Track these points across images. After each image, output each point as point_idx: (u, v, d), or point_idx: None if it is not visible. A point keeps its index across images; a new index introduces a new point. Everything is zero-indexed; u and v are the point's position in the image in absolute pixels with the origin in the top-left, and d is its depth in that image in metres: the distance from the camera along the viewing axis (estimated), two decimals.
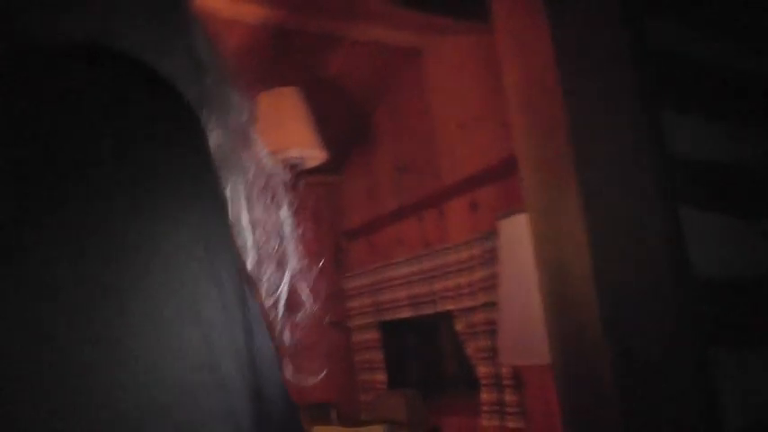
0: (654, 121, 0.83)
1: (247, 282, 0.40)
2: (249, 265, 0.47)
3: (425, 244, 3.21)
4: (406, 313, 3.24)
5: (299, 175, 2.69)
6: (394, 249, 3.46)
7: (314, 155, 2.66)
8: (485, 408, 2.68)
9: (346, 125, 3.63)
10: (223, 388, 0.29)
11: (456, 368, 3.31)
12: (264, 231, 0.47)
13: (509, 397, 2.58)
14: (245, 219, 0.46)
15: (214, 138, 0.42)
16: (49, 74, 0.30)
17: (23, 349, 0.25)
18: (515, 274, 1.43)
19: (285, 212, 0.48)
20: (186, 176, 0.31)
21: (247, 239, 0.46)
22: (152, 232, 0.28)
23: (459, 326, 2.83)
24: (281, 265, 0.50)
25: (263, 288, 0.49)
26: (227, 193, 0.44)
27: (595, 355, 0.80)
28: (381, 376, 3.50)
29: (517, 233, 1.44)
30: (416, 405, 3.14)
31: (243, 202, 0.46)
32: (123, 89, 0.31)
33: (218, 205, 0.33)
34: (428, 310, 3.07)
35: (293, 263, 0.50)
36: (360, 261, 3.75)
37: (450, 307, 2.88)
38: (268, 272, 0.49)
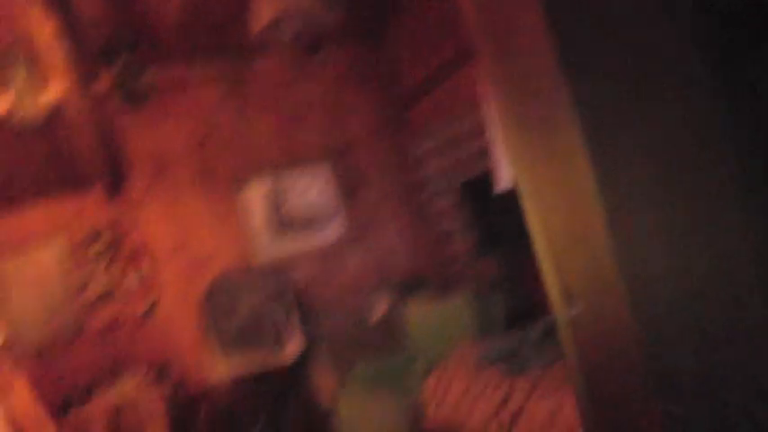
0: None
1: None
2: None
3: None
4: (484, 167, 2.94)
5: (320, 42, 2.38)
6: (456, 102, 3.14)
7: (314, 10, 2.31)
8: None
9: None
10: None
11: None
12: None
13: None
14: None
15: None
16: None
17: None
18: None
19: None
20: None
21: None
22: None
23: None
24: None
25: None
26: None
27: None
28: (467, 242, 3.31)
29: None
30: (507, 267, 2.97)
31: None
32: None
33: None
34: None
35: None
36: (424, 121, 3.46)
37: None
38: None
